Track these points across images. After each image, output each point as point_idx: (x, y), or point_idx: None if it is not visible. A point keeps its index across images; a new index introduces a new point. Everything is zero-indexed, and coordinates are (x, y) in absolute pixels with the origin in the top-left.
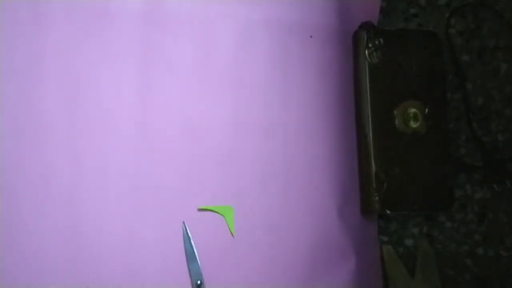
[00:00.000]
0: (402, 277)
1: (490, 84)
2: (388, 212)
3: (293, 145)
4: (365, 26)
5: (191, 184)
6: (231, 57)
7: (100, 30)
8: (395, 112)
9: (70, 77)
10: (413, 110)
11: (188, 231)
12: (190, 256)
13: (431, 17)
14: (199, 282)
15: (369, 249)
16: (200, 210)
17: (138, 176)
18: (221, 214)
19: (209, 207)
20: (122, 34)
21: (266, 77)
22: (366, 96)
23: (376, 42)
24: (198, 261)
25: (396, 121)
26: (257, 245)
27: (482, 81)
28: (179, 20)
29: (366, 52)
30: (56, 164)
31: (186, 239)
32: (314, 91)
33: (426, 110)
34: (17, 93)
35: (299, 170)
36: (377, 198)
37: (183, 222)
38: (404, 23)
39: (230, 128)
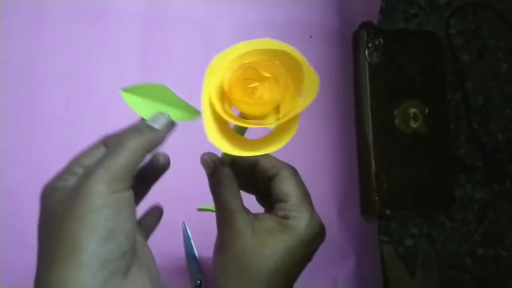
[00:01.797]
0: (402, 276)
1: (490, 84)
2: (388, 212)
3: (293, 145)
4: (365, 26)
5: (191, 184)
6: None
7: (101, 29)
8: (395, 112)
9: (71, 76)
10: (413, 110)
11: (188, 231)
12: (190, 256)
13: (431, 17)
14: (199, 281)
15: (369, 249)
16: (200, 210)
17: None
18: None
19: (208, 207)
20: (123, 33)
21: None
22: (366, 96)
23: (376, 42)
24: (198, 261)
25: (396, 121)
26: None
27: (482, 81)
28: (179, 19)
29: (366, 52)
30: (57, 163)
31: (186, 239)
32: None
33: (426, 110)
34: (18, 92)
35: (299, 170)
36: (377, 198)
37: (183, 222)
38: (404, 23)
39: None
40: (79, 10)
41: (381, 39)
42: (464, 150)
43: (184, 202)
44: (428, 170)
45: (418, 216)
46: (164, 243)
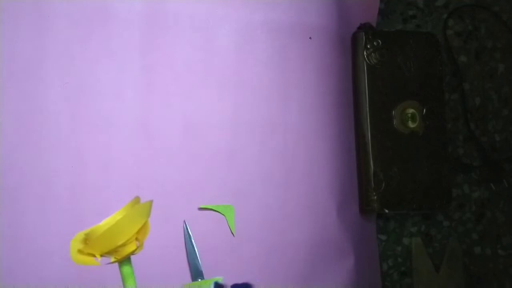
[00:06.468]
0: (428, 271)
1: (487, 84)
2: (387, 211)
3: (293, 144)
4: (364, 27)
5: (192, 183)
6: (231, 58)
7: (102, 30)
8: (393, 112)
9: (72, 77)
10: (411, 110)
11: (189, 230)
12: (191, 255)
13: (429, 19)
14: (199, 280)
15: (367, 248)
16: (201, 209)
17: (139, 176)
18: (222, 213)
19: (209, 206)
20: (124, 35)
21: (266, 78)
22: (364, 96)
23: (374, 43)
24: (199, 260)
25: (395, 121)
26: (257, 244)
27: (480, 82)
28: (180, 21)
29: (365, 53)
30: (58, 163)
31: (187, 238)
32: (313, 91)
33: (424, 111)
34: (19, 92)
35: (299, 169)
36: (375, 197)
37: (184, 221)
38: (402, 24)
39: (230, 128)
40: (81, 11)
41: (379, 41)
42: (462, 150)
43: (185, 201)
44: (426, 169)
45: (416, 215)
46: (165, 242)
